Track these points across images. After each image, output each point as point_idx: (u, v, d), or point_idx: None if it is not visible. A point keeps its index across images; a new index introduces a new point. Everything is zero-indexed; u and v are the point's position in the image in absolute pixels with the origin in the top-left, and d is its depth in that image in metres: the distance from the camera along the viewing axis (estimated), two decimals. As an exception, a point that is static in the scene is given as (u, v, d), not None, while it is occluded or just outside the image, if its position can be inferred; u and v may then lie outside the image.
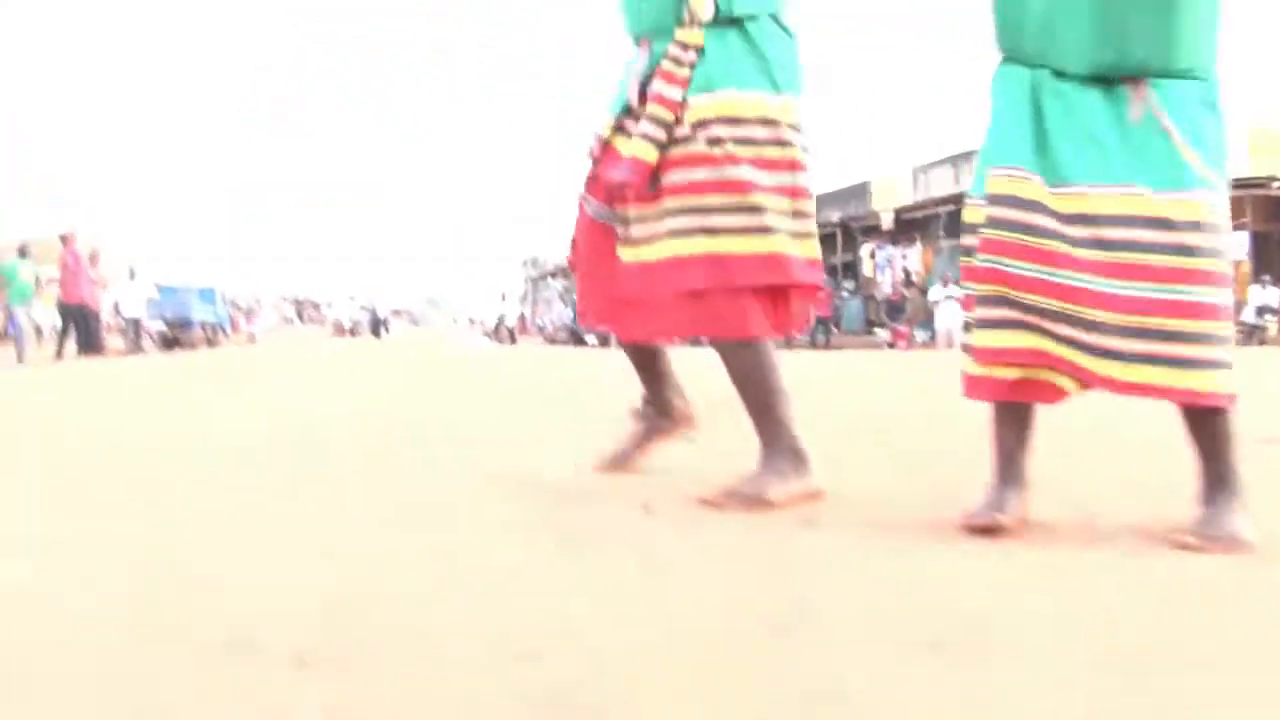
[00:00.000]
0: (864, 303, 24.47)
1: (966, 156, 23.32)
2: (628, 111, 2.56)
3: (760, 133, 2.40)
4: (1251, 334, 15.65)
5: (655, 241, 2.45)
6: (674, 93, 2.42)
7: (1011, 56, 2.15)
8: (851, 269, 25.97)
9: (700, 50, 2.42)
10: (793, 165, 2.44)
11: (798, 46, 2.54)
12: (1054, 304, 2.01)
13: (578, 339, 25.32)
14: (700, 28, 2.42)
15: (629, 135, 2.50)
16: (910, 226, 23.95)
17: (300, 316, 56.11)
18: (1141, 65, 2.00)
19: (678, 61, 2.42)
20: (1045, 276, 2.01)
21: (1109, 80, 2.02)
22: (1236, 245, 17.47)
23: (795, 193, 2.45)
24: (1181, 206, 1.95)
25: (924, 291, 21.99)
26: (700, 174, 2.38)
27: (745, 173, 2.36)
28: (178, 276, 30.80)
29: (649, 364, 2.85)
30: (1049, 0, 2.03)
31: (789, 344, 21.80)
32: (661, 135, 2.42)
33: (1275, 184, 18.00)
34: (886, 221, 24.28)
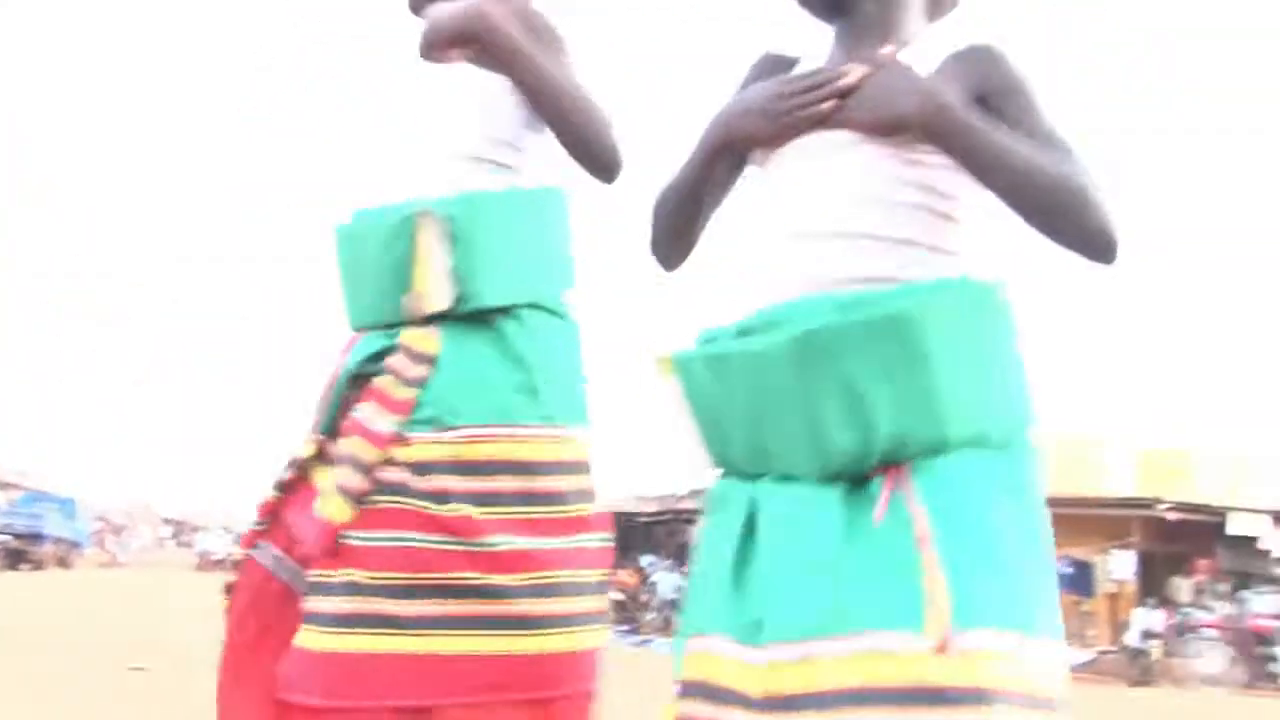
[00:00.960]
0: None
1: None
2: (335, 431, 1.79)
3: (514, 484, 1.68)
4: (1135, 658, 15.08)
5: (333, 625, 1.64)
6: (384, 424, 1.68)
7: (728, 470, 1.41)
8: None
9: (433, 361, 1.71)
10: (570, 525, 1.72)
11: (578, 343, 1.83)
12: None
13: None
14: (436, 327, 1.72)
15: (331, 465, 1.74)
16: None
17: (176, 539, 53.45)
18: (898, 444, 1.22)
19: (398, 376, 1.70)
20: None
21: (857, 475, 1.25)
22: (1123, 565, 17.42)
23: (568, 559, 1.70)
24: (940, 665, 1.10)
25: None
26: (414, 539, 1.64)
27: (494, 541, 1.64)
28: (36, 480, 29.28)
29: None
30: (753, 383, 1.29)
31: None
32: (360, 484, 1.67)
33: (1161, 505, 18.08)
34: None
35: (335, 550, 1.67)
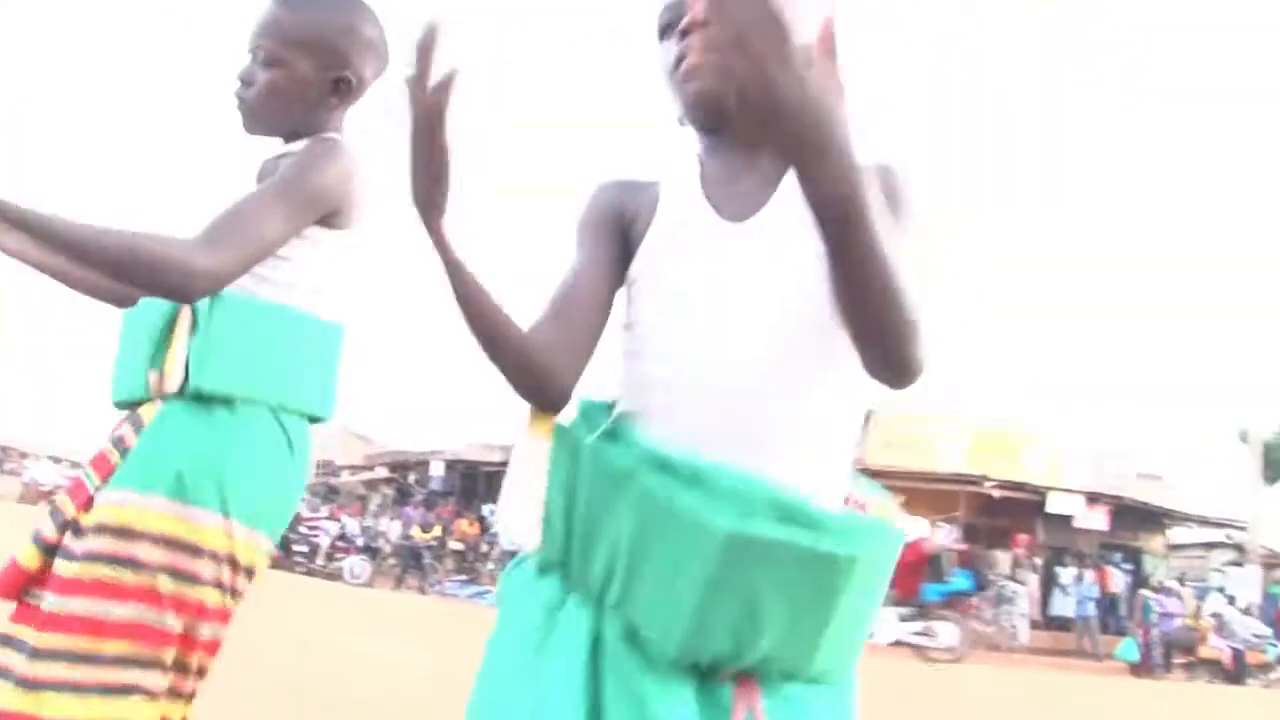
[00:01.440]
0: None
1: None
2: None
3: (157, 556, 1.65)
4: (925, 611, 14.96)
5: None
6: (90, 483, 1.72)
7: (557, 572, 1.29)
8: None
9: (141, 431, 1.74)
10: (200, 610, 1.70)
11: (307, 455, 1.84)
12: None
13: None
14: (164, 403, 1.74)
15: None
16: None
17: (0, 466, 50.46)
18: (764, 663, 1.19)
19: (120, 443, 1.74)
20: None
21: (706, 669, 1.20)
22: (948, 539, 18.30)
23: (194, 644, 1.72)
24: None
25: None
26: (74, 603, 1.63)
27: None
28: None
29: None
30: (652, 528, 1.17)
31: None
32: (53, 536, 1.70)
33: (988, 483, 19.13)
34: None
35: (17, 597, 1.70)
